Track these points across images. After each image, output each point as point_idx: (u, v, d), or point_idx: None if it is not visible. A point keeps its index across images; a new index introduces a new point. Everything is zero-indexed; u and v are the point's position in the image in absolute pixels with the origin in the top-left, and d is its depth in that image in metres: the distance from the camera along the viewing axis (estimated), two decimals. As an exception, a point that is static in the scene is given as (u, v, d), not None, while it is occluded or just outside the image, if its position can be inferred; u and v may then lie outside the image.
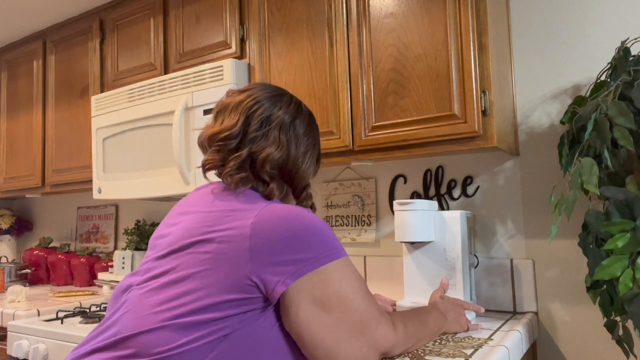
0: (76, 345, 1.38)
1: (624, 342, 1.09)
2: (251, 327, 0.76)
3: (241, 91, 0.94)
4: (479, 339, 1.11)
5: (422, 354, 0.99)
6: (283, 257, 0.75)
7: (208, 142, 0.91)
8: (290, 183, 0.94)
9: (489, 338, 1.13)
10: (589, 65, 1.37)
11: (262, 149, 0.87)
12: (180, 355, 0.71)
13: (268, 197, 0.87)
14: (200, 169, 0.91)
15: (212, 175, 0.92)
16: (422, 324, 0.97)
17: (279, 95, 0.94)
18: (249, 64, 1.61)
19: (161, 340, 0.72)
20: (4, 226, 2.72)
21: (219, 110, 0.93)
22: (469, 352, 1.01)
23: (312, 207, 1.00)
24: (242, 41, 1.64)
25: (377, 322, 0.81)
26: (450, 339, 1.11)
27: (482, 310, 1.23)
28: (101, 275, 2.06)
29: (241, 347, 0.75)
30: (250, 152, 0.87)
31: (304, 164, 0.94)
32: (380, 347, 0.81)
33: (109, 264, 2.18)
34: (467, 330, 1.18)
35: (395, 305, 1.33)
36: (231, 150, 0.88)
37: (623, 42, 1.17)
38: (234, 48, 1.65)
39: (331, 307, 0.77)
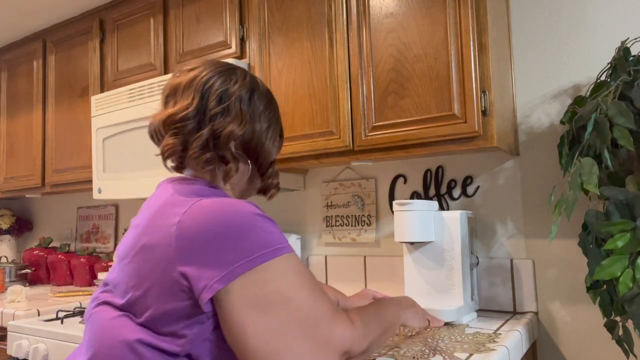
0: (76, 346, 1.38)
1: (624, 342, 1.09)
2: (209, 342, 0.71)
3: (191, 69, 0.87)
4: (488, 334, 1.16)
5: (447, 351, 1.01)
6: (211, 258, 0.67)
7: (163, 127, 0.83)
8: (256, 160, 0.88)
9: (496, 332, 1.17)
10: (589, 65, 1.37)
11: (225, 125, 0.81)
12: None
13: (224, 179, 0.83)
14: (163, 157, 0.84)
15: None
16: (380, 316, 0.89)
17: (231, 69, 0.88)
18: (249, 64, 1.61)
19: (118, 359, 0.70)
20: (4, 226, 2.72)
21: (169, 94, 0.86)
22: (490, 345, 1.06)
23: (277, 186, 0.95)
24: (242, 41, 1.64)
25: (329, 319, 0.72)
26: (465, 336, 1.14)
27: (441, 323, 1.21)
28: (101, 275, 2.06)
29: None
30: (213, 130, 0.81)
31: (267, 140, 0.88)
32: (338, 344, 0.72)
33: (109, 264, 2.18)
34: (429, 325, 1.15)
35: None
36: (191, 132, 0.81)
37: (623, 42, 1.17)
38: (234, 48, 1.65)
39: (270, 307, 0.68)
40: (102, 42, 2.08)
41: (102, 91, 2.05)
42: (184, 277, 0.68)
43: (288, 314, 0.68)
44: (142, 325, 0.71)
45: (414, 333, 1.17)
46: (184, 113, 0.81)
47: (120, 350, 0.70)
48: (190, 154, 0.81)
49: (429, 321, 1.13)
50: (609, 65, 1.19)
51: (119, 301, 0.74)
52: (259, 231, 0.70)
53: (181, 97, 0.83)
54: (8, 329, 1.61)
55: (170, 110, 0.82)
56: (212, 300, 0.68)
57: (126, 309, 0.73)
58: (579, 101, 1.25)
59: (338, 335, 0.72)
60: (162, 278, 0.69)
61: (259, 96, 0.88)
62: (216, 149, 0.82)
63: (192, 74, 0.85)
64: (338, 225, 1.76)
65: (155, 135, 0.86)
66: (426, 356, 0.98)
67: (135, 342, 0.69)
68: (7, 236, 2.79)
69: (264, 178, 0.92)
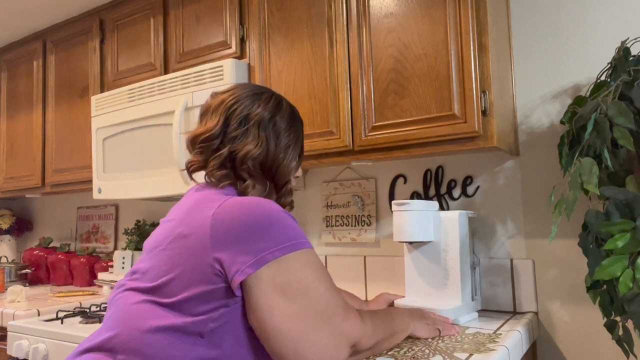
0: (76, 345, 1.39)
1: (624, 342, 1.09)
2: (231, 325, 0.76)
3: (223, 92, 0.96)
4: (488, 334, 1.16)
5: (447, 351, 1.01)
6: (243, 245, 0.75)
7: (191, 144, 0.93)
8: (272, 179, 0.95)
9: (496, 332, 1.17)
10: (589, 65, 1.37)
11: (242, 147, 0.89)
12: (161, 355, 0.74)
13: (242, 193, 0.89)
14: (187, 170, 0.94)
15: (200, 178, 0.94)
16: (389, 320, 0.97)
17: (258, 94, 0.96)
18: (249, 64, 1.61)
19: (139, 341, 0.75)
20: (4, 226, 2.72)
21: (203, 113, 0.95)
22: (490, 346, 1.05)
23: (291, 204, 1.01)
24: (242, 41, 1.64)
25: (344, 311, 0.79)
26: (465, 336, 1.14)
27: (452, 331, 1.16)
28: (101, 275, 2.06)
29: (225, 345, 0.76)
30: (231, 151, 0.89)
31: (285, 160, 0.94)
32: (349, 336, 0.79)
33: (109, 264, 2.18)
34: (439, 334, 1.14)
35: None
36: (213, 151, 0.90)
37: (623, 42, 1.17)
38: (234, 48, 1.65)
39: (295, 294, 0.75)
40: (102, 42, 2.07)
41: (102, 91, 2.05)
42: (217, 262, 0.74)
43: (309, 302, 0.76)
44: (168, 306, 0.76)
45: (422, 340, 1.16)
46: (208, 134, 0.90)
47: (141, 331, 0.75)
48: (208, 171, 0.89)
49: (439, 330, 1.14)
50: (609, 65, 1.19)
51: (147, 285, 0.79)
52: (285, 225, 0.78)
53: (210, 119, 0.92)
54: (8, 329, 1.61)
55: (198, 130, 0.92)
56: (241, 284, 0.75)
57: (153, 292, 0.78)
58: (579, 101, 1.25)
59: (349, 328, 0.79)
60: (197, 263, 0.75)
61: (281, 118, 0.95)
62: (234, 167, 0.90)
63: (222, 97, 0.94)
64: (338, 225, 1.76)
65: (189, 150, 0.96)
66: (426, 356, 0.99)
67: (155, 325, 0.75)
68: (7, 236, 2.79)
69: (279, 195, 0.98)
